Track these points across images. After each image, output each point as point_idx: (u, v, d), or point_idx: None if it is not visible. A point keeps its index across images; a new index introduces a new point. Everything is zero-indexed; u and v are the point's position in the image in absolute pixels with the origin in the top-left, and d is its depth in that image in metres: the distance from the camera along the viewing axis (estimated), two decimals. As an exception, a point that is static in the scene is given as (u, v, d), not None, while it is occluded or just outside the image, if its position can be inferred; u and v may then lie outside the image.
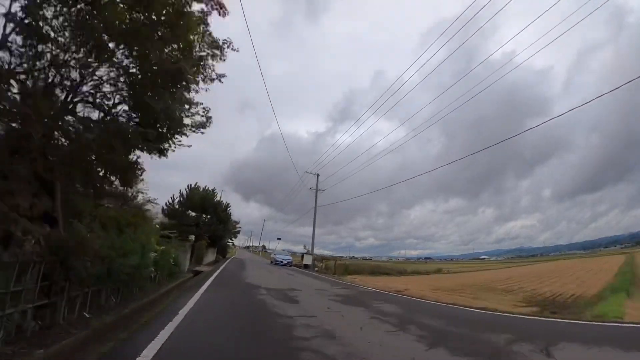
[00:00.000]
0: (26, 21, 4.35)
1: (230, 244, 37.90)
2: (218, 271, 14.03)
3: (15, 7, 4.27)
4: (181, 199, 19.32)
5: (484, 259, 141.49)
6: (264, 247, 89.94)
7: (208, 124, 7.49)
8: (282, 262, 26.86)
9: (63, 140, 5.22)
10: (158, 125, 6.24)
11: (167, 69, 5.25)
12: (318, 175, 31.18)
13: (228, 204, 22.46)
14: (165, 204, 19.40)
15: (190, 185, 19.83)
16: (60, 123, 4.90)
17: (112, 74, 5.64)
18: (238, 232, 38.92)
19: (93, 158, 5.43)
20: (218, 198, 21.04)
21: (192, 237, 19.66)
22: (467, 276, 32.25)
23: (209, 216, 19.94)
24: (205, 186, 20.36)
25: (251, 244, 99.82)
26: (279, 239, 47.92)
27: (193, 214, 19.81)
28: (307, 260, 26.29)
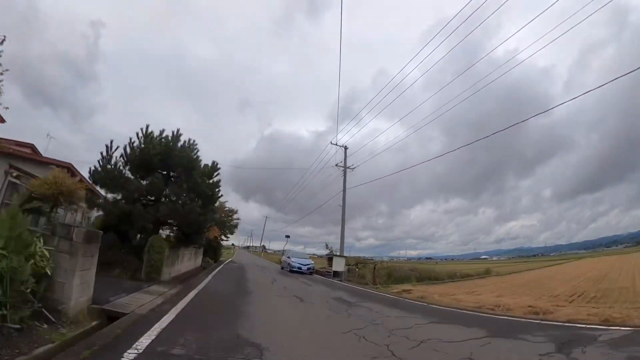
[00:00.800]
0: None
1: (229, 242, 29.05)
2: (177, 308, 5.23)
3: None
4: (127, 152, 10.25)
5: (485, 259, 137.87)
6: (264, 247, 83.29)
7: None
8: (300, 268, 18.17)
9: None
10: None
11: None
12: (346, 149, 22.69)
13: (216, 164, 11.92)
14: (98, 161, 10.39)
15: (146, 128, 10.58)
16: None
17: None
18: (236, 225, 30.24)
19: None
20: (199, 157, 11.57)
21: (156, 226, 10.77)
22: (536, 275, 25.16)
23: (180, 187, 10.73)
24: (177, 131, 10.88)
25: (251, 244, 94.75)
26: (287, 237, 39.06)
27: (145, 181, 10.64)
28: (338, 265, 17.29)
